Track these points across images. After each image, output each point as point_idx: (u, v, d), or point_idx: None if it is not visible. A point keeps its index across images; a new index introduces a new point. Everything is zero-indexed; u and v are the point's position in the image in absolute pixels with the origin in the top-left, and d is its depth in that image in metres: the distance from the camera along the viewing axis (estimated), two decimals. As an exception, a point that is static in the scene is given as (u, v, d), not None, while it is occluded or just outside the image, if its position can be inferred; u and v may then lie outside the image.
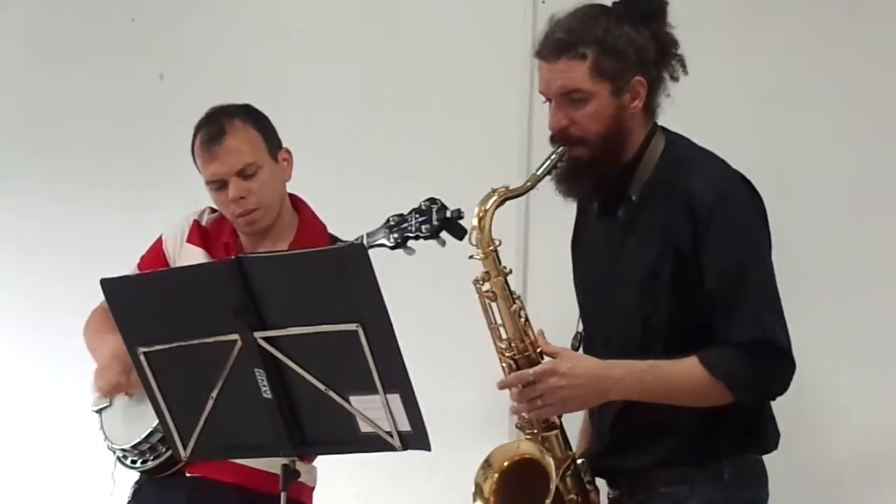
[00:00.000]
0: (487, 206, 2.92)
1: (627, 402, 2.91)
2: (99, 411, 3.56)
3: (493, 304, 2.97)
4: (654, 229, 2.93)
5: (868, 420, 3.75)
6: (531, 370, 2.87)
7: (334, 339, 2.74)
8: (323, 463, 3.54)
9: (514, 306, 2.94)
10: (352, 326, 2.71)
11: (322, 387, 2.79)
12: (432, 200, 3.20)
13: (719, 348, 2.85)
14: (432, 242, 3.25)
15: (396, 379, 2.73)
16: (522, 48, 4.27)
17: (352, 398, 2.78)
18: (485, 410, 4.21)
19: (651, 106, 3.00)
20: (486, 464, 2.98)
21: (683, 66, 3.02)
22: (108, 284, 2.95)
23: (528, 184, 2.95)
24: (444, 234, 3.20)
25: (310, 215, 3.59)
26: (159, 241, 3.62)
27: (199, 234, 3.58)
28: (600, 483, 3.07)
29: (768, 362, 2.85)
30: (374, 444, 2.81)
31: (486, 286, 2.96)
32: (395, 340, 2.70)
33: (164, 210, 3.82)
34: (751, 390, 2.87)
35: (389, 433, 2.78)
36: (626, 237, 2.98)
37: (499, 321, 2.96)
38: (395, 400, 2.75)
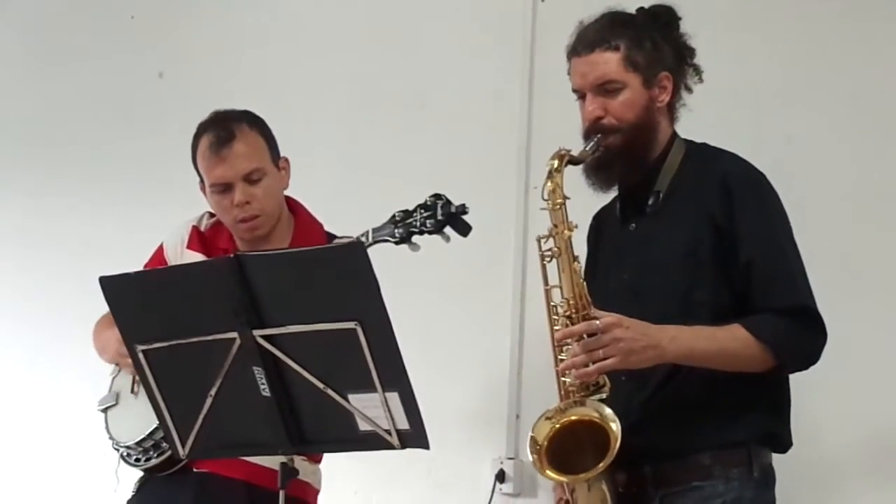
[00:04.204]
0: (557, 163, 3.02)
1: (664, 377, 2.98)
2: (104, 410, 3.56)
3: (549, 265, 3.03)
4: (689, 211, 3.03)
5: (869, 420, 3.75)
6: (597, 320, 2.92)
7: (333, 338, 2.73)
8: (321, 461, 3.54)
9: (575, 264, 3.01)
10: (351, 325, 2.70)
11: (321, 385, 2.78)
12: (437, 196, 3.21)
13: (761, 315, 2.95)
14: (437, 239, 3.25)
15: (395, 377, 2.72)
16: (522, 45, 4.28)
17: (350, 396, 2.78)
18: (483, 408, 4.21)
19: (673, 107, 3.14)
20: (559, 410, 2.98)
21: (699, 74, 3.17)
22: (107, 282, 2.93)
23: (582, 156, 3.05)
24: (448, 230, 3.20)
25: (305, 216, 3.59)
26: (160, 249, 3.62)
27: (199, 239, 3.58)
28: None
29: (807, 326, 2.97)
30: (373, 442, 2.80)
31: (548, 244, 3.02)
32: (394, 339, 2.69)
33: (162, 208, 3.83)
34: (792, 352, 2.96)
35: (388, 431, 2.77)
36: (658, 225, 3.08)
37: (552, 283, 3.01)
38: (394, 398, 2.74)
